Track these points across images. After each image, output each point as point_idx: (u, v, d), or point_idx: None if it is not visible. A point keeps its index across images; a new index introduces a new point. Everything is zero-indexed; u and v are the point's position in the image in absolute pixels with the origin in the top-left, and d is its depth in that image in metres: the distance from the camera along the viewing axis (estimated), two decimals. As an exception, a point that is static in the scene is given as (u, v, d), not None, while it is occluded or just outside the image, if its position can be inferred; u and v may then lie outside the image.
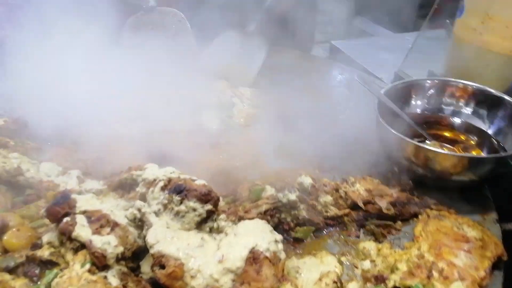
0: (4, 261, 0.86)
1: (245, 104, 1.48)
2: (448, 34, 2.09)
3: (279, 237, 0.90)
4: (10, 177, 1.07)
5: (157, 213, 0.91)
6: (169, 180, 0.95)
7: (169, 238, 0.83)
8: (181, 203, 0.91)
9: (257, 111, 1.46)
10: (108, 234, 0.84)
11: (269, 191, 1.06)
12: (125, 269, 0.84)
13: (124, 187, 1.05)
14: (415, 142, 1.07)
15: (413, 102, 1.31)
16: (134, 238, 0.88)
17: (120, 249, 0.83)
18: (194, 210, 0.91)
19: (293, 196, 1.00)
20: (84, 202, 0.91)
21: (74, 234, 0.83)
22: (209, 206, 0.92)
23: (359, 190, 1.08)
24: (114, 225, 0.86)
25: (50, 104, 1.45)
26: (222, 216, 0.92)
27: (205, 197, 0.92)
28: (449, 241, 0.92)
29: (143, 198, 0.97)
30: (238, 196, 1.08)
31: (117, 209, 0.93)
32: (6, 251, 0.90)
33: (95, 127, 1.30)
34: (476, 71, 1.66)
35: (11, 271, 0.86)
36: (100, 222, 0.85)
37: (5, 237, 0.91)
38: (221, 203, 1.01)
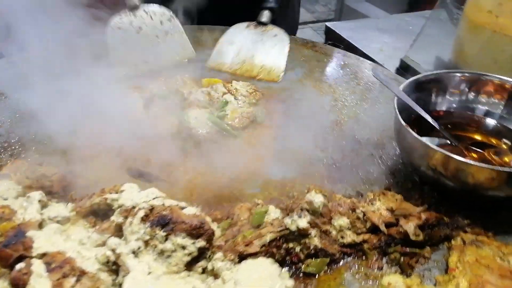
0: None
1: (240, 102, 1.28)
2: (450, 16, 1.92)
3: (290, 283, 0.73)
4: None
5: (136, 253, 0.73)
6: (151, 209, 0.77)
7: (151, 290, 0.65)
8: (166, 239, 0.73)
9: (254, 109, 1.27)
10: (72, 287, 0.65)
11: (273, 213, 0.89)
12: (96, 328, 0.67)
13: (97, 213, 0.86)
14: (444, 151, 0.89)
15: (436, 99, 1.14)
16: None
17: (88, 305, 0.65)
18: (183, 248, 0.73)
19: (303, 222, 0.83)
20: (43, 241, 0.72)
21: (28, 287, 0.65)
22: (201, 243, 0.74)
23: (380, 209, 0.91)
24: (81, 274, 0.67)
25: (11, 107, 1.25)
26: (218, 254, 0.74)
27: (197, 231, 0.74)
28: (494, 278, 0.76)
29: (119, 230, 0.78)
30: (236, 218, 0.90)
31: (86, 247, 0.74)
32: None
33: (62, 136, 1.11)
34: (490, 57, 1.50)
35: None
36: (62, 270, 0.67)
37: None
38: (216, 231, 0.83)
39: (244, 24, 1.57)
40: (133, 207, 0.78)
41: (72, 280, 0.66)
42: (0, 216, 0.84)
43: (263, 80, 1.47)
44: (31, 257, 0.69)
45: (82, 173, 1.04)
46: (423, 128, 1.04)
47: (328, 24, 2.73)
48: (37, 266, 0.67)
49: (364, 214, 0.90)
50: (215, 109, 1.24)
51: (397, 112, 0.97)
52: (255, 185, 1.05)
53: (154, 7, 1.46)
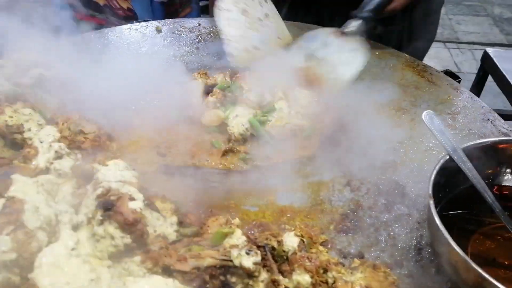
0: None
1: (293, 112, 1.18)
2: None
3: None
4: (8, 133, 1.05)
5: (76, 227, 0.76)
6: (108, 190, 0.78)
7: (53, 266, 0.67)
8: (101, 223, 0.73)
9: (303, 123, 1.15)
10: (7, 234, 0.72)
11: (237, 239, 0.80)
12: (15, 278, 0.72)
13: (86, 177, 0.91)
14: (489, 277, 0.63)
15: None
16: (39, 247, 0.74)
17: (11, 256, 0.71)
18: (112, 238, 0.72)
19: (248, 262, 0.72)
20: (21, 187, 0.81)
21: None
22: (128, 240, 0.72)
23: (355, 284, 0.73)
24: (20, 226, 0.73)
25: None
26: (136, 258, 0.71)
27: (129, 227, 0.72)
28: None
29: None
30: (203, 230, 0.85)
31: (50, 204, 0.80)
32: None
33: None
34: None
35: None
36: (8, 217, 0.74)
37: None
38: (171, 234, 0.80)
39: (329, 30, 1.41)
40: (100, 183, 0.81)
41: (10, 227, 0.72)
42: (25, 155, 0.99)
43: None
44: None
45: (119, 139, 1.12)
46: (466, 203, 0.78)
47: (489, 50, 2.29)
48: (-4, 205, 0.76)
49: (334, 282, 0.73)
50: (262, 113, 1.17)
51: (433, 211, 0.71)
52: (255, 202, 0.96)
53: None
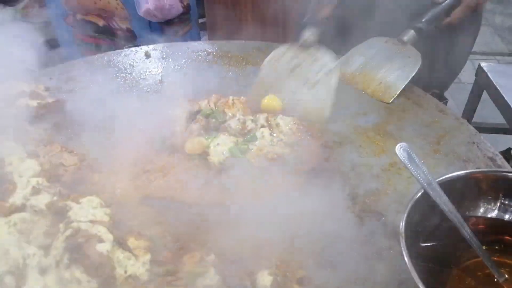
0: None
1: (275, 140, 1.17)
2: None
3: None
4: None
5: (44, 270, 0.75)
6: (78, 231, 0.77)
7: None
8: (68, 267, 0.72)
9: (286, 152, 1.14)
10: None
11: (209, 279, 0.79)
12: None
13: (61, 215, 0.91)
14: None
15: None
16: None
17: (-23, 303, 0.70)
18: (79, 282, 0.71)
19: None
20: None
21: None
22: (95, 284, 0.71)
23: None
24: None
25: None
26: (102, 304, 0.70)
27: (96, 271, 0.71)
28: None
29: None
30: (178, 268, 0.83)
31: (21, 245, 0.80)
32: None
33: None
34: None
35: None
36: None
37: None
38: (144, 273, 0.79)
39: (384, 38, 1.42)
40: (72, 223, 0.80)
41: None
42: (3, 191, 0.98)
43: (375, 97, 1.36)
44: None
45: (101, 170, 1.12)
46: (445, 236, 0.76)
47: (483, 64, 2.28)
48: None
49: (306, 324, 0.71)
50: (243, 141, 1.16)
51: (404, 252, 0.69)
52: (233, 236, 0.95)
53: (324, 54, 1.35)
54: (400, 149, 0.80)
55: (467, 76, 4.51)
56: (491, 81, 2.04)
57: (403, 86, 1.33)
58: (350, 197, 1.04)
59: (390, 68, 1.39)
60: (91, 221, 0.80)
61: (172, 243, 0.92)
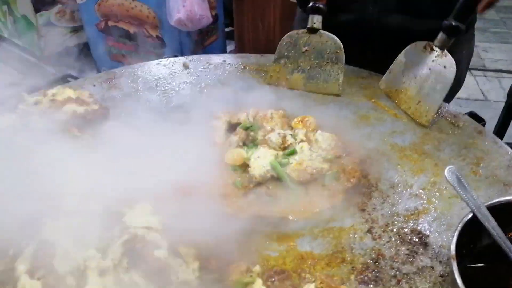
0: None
1: (314, 155, 1.19)
2: None
3: None
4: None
5: (103, 271, 0.78)
6: (135, 237, 0.81)
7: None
8: (127, 271, 0.76)
9: (325, 168, 1.16)
10: (38, 278, 0.75)
11: (257, 289, 0.81)
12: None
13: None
14: None
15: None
16: (66, 291, 0.77)
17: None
18: (137, 285, 0.75)
19: (268, 316, 0.73)
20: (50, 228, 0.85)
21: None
22: (152, 289, 0.74)
23: None
24: (50, 271, 0.76)
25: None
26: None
27: (154, 276, 0.74)
28: None
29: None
30: (223, 277, 0.86)
31: (78, 248, 0.84)
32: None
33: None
34: None
35: None
36: (40, 260, 0.77)
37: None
38: (206, 277, 0.82)
39: (422, 44, 1.38)
40: (127, 229, 0.84)
41: (40, 272, 0.76)
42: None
43: (415, 118, 1.37)
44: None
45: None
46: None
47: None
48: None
49: None
50: (284, 155, 1.19)
51: (456, 273, 0.70)
52: (276, 248, 0.97)
53: (329, 34, 1.51)
54: (449, 172, 0.82)
55: (493, 94, 4.48)
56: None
57: (438, 107, 1.33)
58: (390, 215, 1.05)
59: (428, 84, 1.36)
60: (147, 227, 0.83)
61: (216, 252, 0.95)
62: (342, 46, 1.48)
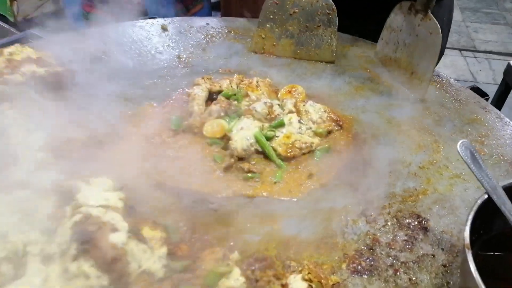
0: None
1: (304, 128, 1.07)
2: None
3: None
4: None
5: (47, 259, 0.65)
6: (88, 217, 0.67)
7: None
8: (75, 259, 0.63)
9: (316, 142, 1.04)
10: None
11: (234, 280, 0.69)
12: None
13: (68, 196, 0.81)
14: None
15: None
16: (1, 283, 0.63)
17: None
18: (87, 277, 0.62)
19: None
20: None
21: None
22: (105, 281, 0.61)
23: None
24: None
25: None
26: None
27: (107, 265, 0.61)
28: None
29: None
30: (196, 265, 0.74)
31: (21, 229, 0.70)
32: None
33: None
34: None
35: None
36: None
37: None
38: (159, 270, 0.69)
39: (407, 4, 1.25)
40: (78, 207, 0.70)
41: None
42: (5, 166, 0.88)
43: (410, 91, 1.25)
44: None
45: (110, 148, 1.02)
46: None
47: (512, 62, 2.16)
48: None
49: None
50: (270, 127, 1.06)
51: (472, 267, 0.59)
52: (258, 230, 0.85)
53: None
54: (462, 146, 0.70)
55: (483, 76, 4.40)
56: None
57: (429, 78, 1.20)
58: (386, 196, 0.94)
59: (417, 51, 1.24)
60: (103, 206, 0.70)
61: (189, 235, 0.82)
62: (334, 7, 1.33)
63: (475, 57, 4.78)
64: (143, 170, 0.96)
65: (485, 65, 4.66)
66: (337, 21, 1.34)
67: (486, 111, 1.18)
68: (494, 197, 0.66)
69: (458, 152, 0.70)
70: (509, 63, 2.15)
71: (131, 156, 0.97)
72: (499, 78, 2.18)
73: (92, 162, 0.92)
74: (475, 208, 0.65)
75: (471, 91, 1.26)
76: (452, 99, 1.23)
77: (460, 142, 0.71)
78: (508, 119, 1.16)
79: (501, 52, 4.91)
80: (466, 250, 0.59)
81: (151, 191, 0.91)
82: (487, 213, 0.69)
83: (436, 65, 1.23)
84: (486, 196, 0.67)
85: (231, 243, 0.82)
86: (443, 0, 1.49)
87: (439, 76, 1.31)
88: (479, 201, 0.66)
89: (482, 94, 1.26)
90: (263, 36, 1.41)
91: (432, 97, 1.24)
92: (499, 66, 4.56)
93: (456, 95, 1.25)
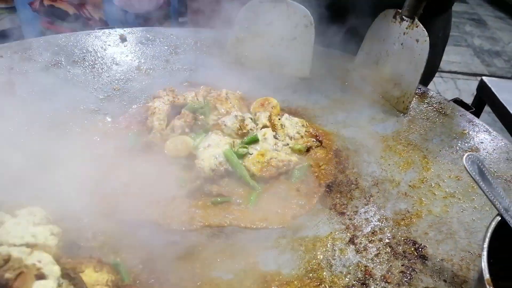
0: None
1: (280, 144, 0.94)
2: None
3: None
4: None
5: None
6: (7, 259, 0.51)
7: None
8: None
9: (294, 160, 0.91)
10: None
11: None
12: None
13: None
14: None
15: None
16: None
17: None
18: None
19: None
20: None
21: None
22: None
23: None
24: None
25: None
26: None
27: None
28: None
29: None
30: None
31: None
32: None
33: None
34: None
35: None
36: None
37: None
38: None
39: (392, 12, 1.17)
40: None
41: None
42: None
43: (392, 105, 1.16)
44: None
45: (50, 171, 0.85)
46: None
47: (485, 79, 2.15)
48: None
49: None
50: (241, 143, 0.93)
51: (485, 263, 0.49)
52: (229, 267, 0.71)
53: (299, 6, 1.23)
54: (469, 160, 0.59)
55: (450, 94, 4.49)
56: (496, 96, 1.91)
57: (414, 91, 1.12)
58: (376, 220, 0.82)
59: (402, 61, 1.15)
60: (29, 245, 0.54)
61: (145, 275, 0.67)
62: (312, 20, 1.23)
63: (441, 77, 4.89)
64: (89, 197, 0.80)
65: (451, 84, 4.78)
66: (314, 35, 1.23)
67: (473, 125, 1.10)
68: (509, 220, 0.56)
69: (465, 168, 0.60)
70: (482, 79, 2.15)
71: (76, 181, 0.81)
72: (466, 97, 2.17)
73: (25, 189, 0.76)
74: (488, 235, 0.53)
75: (456, 104, 1.18)
76: (436, 112, 1.15)
77: (466, 156, 0.60)
78: (496, 133, 1.08)
79: (465, 72, 5.06)
80: (488, 287, 0.47)
81: (99, 222, 0.75)
82: (501, 236, 0.58)
83: (429, 81, 1.14)
84: (499, 218, 0.56)
85: (198, 283, 0.68)
86: (440, 16, 1.42)
87: (420, 88, 1.24)
88: (492, 224, 0.55)
89: (467, 107, 1.18)
90: (235, 46, 1.30)
91: (415, 110, 1.15)
92: (464, 85, 4.69)
93: (440, 108, 1.17)
